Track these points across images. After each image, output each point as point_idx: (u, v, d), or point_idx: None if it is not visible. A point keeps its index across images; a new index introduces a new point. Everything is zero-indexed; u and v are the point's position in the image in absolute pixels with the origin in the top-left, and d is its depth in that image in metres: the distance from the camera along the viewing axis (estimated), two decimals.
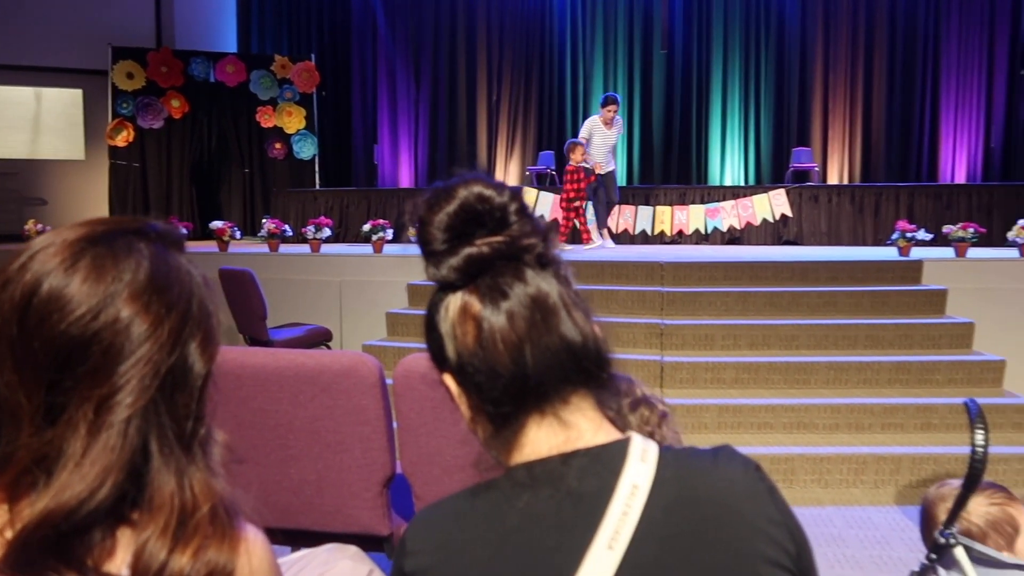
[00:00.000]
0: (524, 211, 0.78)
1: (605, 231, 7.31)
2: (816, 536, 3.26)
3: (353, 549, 1.49)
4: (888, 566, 2.98)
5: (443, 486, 2.06)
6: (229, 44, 10.26)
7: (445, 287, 0.78)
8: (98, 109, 8.82)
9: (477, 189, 0.76)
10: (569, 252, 0.79)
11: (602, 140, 7.07)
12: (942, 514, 1.47)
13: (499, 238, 0.76)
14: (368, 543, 2.16)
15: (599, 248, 6.95)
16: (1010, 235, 5.76)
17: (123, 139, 8.81)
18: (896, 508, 3.57)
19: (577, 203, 6.98)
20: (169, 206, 8.98)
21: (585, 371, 0.77)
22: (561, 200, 7.11)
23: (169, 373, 0.76)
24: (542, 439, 0.77)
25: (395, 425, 2.13)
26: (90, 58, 8.79)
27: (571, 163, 6.93)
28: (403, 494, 2.26)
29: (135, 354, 0.74)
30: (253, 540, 0.81)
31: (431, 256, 0.78)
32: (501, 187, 0.78)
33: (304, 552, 1.45)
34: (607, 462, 0.75)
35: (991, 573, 1.36)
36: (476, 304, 0.75)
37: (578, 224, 7.04)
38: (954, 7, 10.10)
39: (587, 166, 6.95)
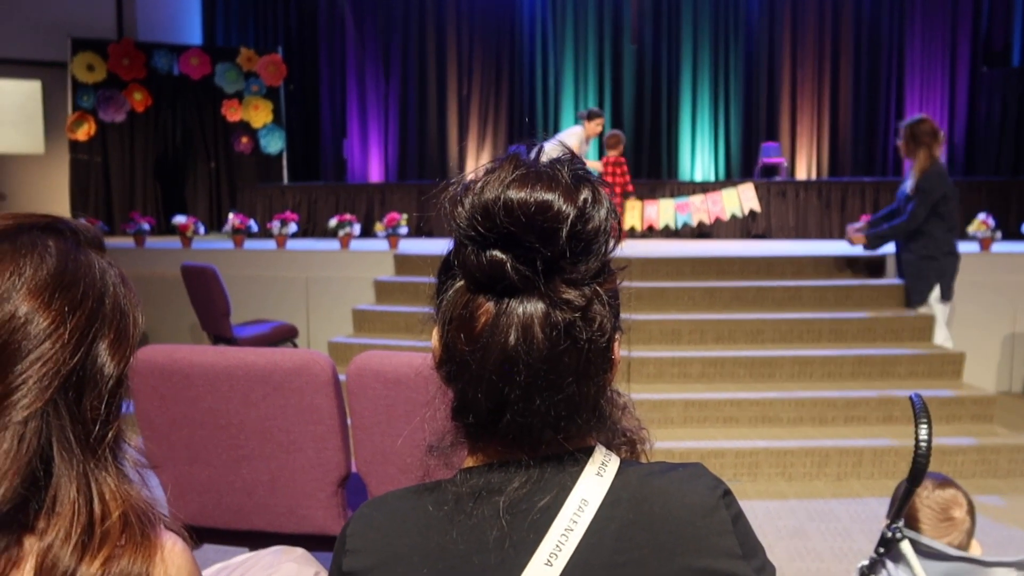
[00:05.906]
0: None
1: None
2: (779, 529, 3.28)
3: (300, 551, 1.45)
4: (848, 557, 3.01)
5: (398, 485, 2.03)
6: (193, 36, 10.07)
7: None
8: (57, 102, 8.60)
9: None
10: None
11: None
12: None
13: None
14: (324, 543, 2.12)
15: None
16: (970, 229, 5.84)
17: (84, 133, 8.62)
18: (858, 500, 3.60)
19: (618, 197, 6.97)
20: (132, 201, 8.80)
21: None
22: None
23: (73, 373, 0.72)
24: (501, 443, 0.72)
25: (350, 423, 2.09)
26: (49, 49, 8.57)
27: (610, 156, 6.96)
28: (359, 493, 2.23)
29: (33, 352, 0.70)
30: (171, 548, 0.78)
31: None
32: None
33: (247, 555, 1.41)
34: (561, 474, 0.71)
35: (937, 566, 1.36)
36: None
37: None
38: (918, 4, 10.23)
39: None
